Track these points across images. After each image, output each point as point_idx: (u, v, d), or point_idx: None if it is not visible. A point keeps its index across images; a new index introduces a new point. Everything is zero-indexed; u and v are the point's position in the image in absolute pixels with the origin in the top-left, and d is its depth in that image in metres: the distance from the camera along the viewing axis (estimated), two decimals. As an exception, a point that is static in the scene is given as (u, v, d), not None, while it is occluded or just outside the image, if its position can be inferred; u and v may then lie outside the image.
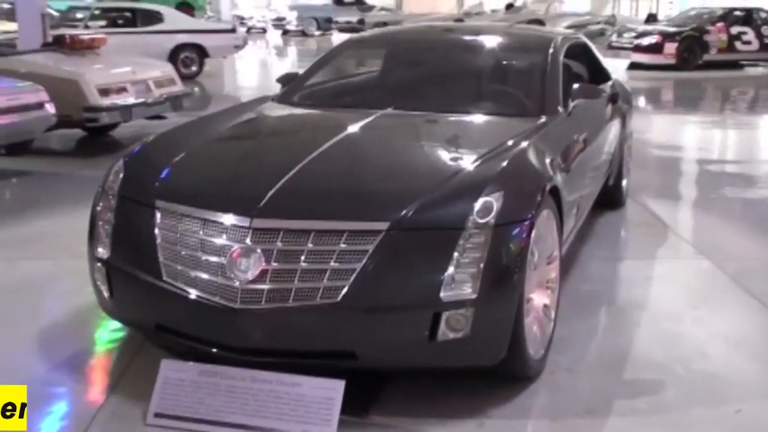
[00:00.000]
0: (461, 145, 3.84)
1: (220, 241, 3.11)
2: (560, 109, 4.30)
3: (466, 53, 5.03)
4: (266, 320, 3.01)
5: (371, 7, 31.09)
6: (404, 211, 3.07)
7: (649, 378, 3.46)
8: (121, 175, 3.56)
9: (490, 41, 5.09)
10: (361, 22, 28.16)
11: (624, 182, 6.07)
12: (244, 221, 3.09)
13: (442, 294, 2.95)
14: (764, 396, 3.36)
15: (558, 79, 4.47)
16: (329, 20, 28.86)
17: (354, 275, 2.97)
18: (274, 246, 3.03)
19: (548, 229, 3.46)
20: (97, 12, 14.72)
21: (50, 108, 6.89)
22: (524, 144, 3.66)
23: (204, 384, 3.09)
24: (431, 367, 3.17)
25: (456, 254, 2.99)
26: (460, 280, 2.98)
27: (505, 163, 3.39)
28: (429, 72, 4.89)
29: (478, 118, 4.20)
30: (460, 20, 15.05)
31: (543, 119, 4.16)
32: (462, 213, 3.06)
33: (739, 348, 3.78)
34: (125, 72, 8.14)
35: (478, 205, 3.08)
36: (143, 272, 3.25)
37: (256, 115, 4.43)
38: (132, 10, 14.85)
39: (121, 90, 7.89)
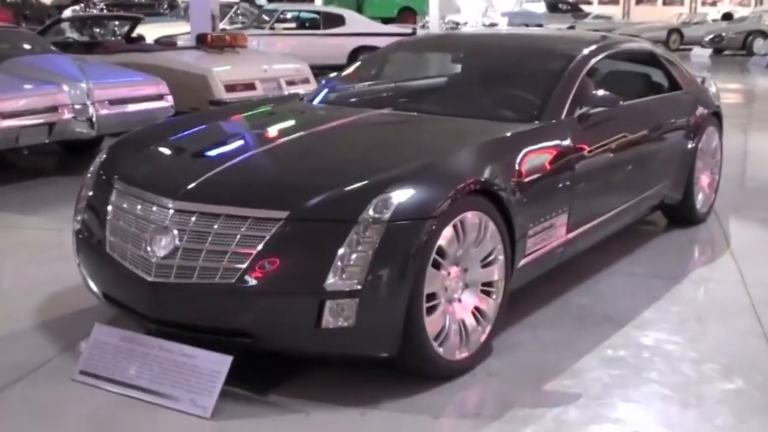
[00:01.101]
0: (406, 145, 3.89)
1: (148, 218, 3.40)
2: (562, 115, 4.21)
3: (491, 59, 5.02)
4: (173, 294, 3.26)
5: (586, 14, 30.48)
6: (304, 202, 3.21)
7: (568, 393, 3.35)
8: (102, 157, 3.95)
9: (523, 48, 5.06)
10: (571, 29, 27.67)
11: (698, 199, 5.72)
12: (168, 203, 3.36)
13: (327, 282, 3.07)
14: None
15: (570, 86, 4.37)
16: (539, 27, 28.59)
17: (250, 259, 3.15)
18: (187, 227, 3.28)
19: (478, 232, 3.44)
20: (283, 15, 15.62)
21: (169, 99, 7.51)
22: (467, 146, 3.67)
23: (123, 349, 3.39)
24: (321, 353, 3.27)
25: (346, 246, 3.09)
26: (347, 271, 3.08)
27: (419, 162, 3.43)
28: (445, 76, 4.95)
29: (461, 121, 4.21)
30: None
31: (534, 125, 4.11)
32: (357, 207, 3.15)
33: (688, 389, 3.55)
34: (256, 69, 8.68)
35: (376, 200, 3.16)
36: (95, 244, 3.61)
37: (260, 110, 4.71)
38: (316, 13, 15.62)
39: (249, 86, 8.44)
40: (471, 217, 3.40)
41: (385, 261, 3.10)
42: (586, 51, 4.72)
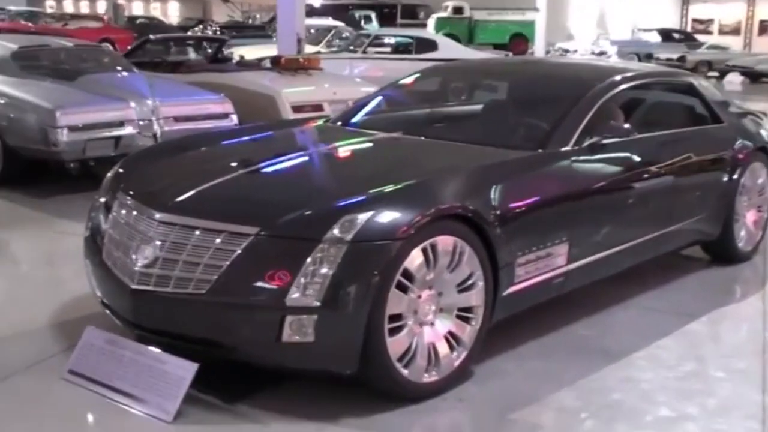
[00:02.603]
0: (391, 169, 3.93)
1: (137, 228, 3.58)
2: (569, 144, 4.19)
3: (512, 86, 5.04)
4: (151, 302, 3.43)
5: (700, 44, 29.68)
6: (274, 219, 3.32)
7: (532, 424, 3.33)
8: (115, 170, 4.17)
9: (546, 76, 5.05)
10: (681, 59, 26.98)
11: (740, 236, 5.53)
12: (155, 214, 3.54)
13: (289, 298, 3.16)
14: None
15: (582, 115, 4.34)
16: (650, 56, 28.04)
17: (220, 271, 3.28)
18: (168, 238, 3.44)
19: (452, 257, 3.47)
20: (377, 40, 15.89)
21: (234, 118, 7.78)
22: (453, 171, 3.71)
23: (107, 351, 3.57)
24: (284, 367, 3.36)
25: (309, 264, 3.18)
26: (309, 288, 3.17)
27: (394, 186, 3.49)
28: (465, 102, 4.98)
29: (464, 147, 4.24)
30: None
31: (536, 153, 4.12)
32: (322, 227, 3.24)
33: None
34: (325, 91, 8.88)
35: (343, 220, 3.24)
36: (96, 251, 3.82)
37: (273, 132, 4.88)
38: (411, 38, 15.81)
39: (317, 108, 8.62)
40: (443, 241, 3.43)
41: (345, 280, 3.17)
42: (606, 81, 4.67)
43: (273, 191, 3.71)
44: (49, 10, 41.89)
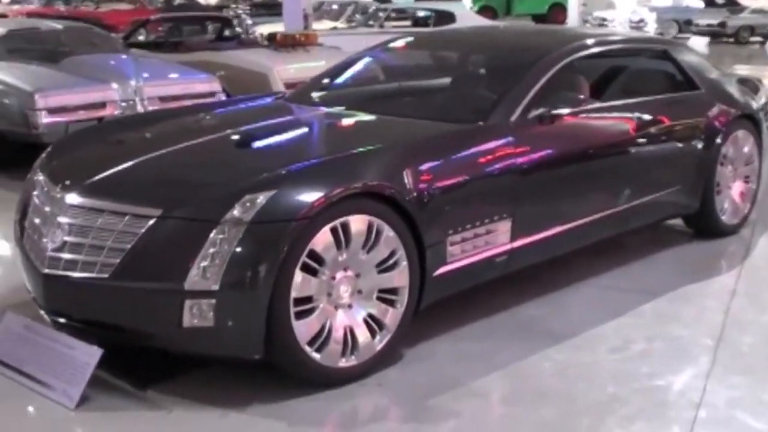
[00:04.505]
0: (309, 146, 3.81)
1: (51, 212, 3.50)
2: (513, 116, 4.00)
3: (465, 57, 4.88)
4: (60, 286, 3.35)
5: (743, 9, 28.73)
6: (176, 201, 3.21)
7: (447, 411, 3.18)
8: (44, 153, 4.10)
9: (502, 45, 4.88)
10: (722, 25, 26.18)
11: (723, 208, 5.28)
12: (64, 196, 3.45)
13: (186, 282, 3.06)
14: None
15: (529, 86, 4.14)
16: (689, 23, 27.28)
17: (123, 255, 3.18)
18: (75, 220, 3.35)
19: (368, 236, 3.32)
20: (393, 14, 15.66)
21: (222, 97, 7.68)
22: (374, 147, 3.56)
23: (23, 336, 3.51)
24: (188, 352, 3.25)
25: (208, 246, 3.07)
26: (207, 271, 3.06)
27: (302, 164, 3.35)
28: (418, 75, 4.81)
29: (400, 122, 4.08)
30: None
31: (475, 125, 3.94)
32: (221, 207, 3.13)
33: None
34: (321, 67, 8.71)
35: (241, 201, 3.12)
36: (19, 235, 3.76)
37: (212, 109, 4.78)
38: (429, 10, 15.56)
39: (312, 84, 8.48)
40: (355, 221, 3.28)
41: (243, 262, 3.06)
42: (561, 49, 4.46)
43: (183, 172, 3.59)
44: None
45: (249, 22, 19.65)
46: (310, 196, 3.16)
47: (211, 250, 3.07)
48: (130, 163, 3.60)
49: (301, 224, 3.11)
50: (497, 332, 3.89)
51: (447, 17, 15.17)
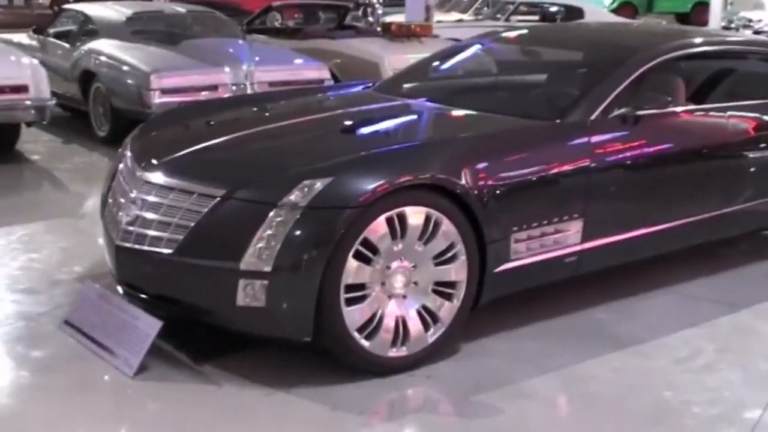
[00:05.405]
0: (381, 136, 3.81)
1: (128, 186, 3.67)
2: (593, 115, 3.90)
3: (551, 55, 4.77)
4: (129, 258, 3.51)
5: None
6: (239, 182, 3.31)
7: (493, 408, 3.16)
8: (135, 131, 4.29)
9: (590, 44, 4.75)
10: None
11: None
12: (141, 174, 3.61)
13: (242, 262, 3.15)
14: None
15: (615, 84, 4.02)
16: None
17: (187, 232, 3.31)
18: (148, 197, 3.50)
19: (424, 228, 3.33)
20: (522, 8, 15.44)
21: (330, 84, 7.82)
22: (439, 140, 3.56)
23: (97, 304, 3.70)
24: (242, 331, 3.34)
25: (264, 228, 3.15)
26: (263, 253, 3.14)
27: (363, 153, 3.38)
28: (502, 70, 4.76)
29: (476, 117, 4.03)
30: None
31: (551, 123, 3.88)
32: (280, 191, 3.20)
33: None
34: (431, 59, 8.73)
35: (300, 186, 3.18)
36: (102, 209, 3.95)
37: (300, 97, 4.87)
38: (558, 5, 15.26)
39: (422, 75, 8.50)
40: (413, 212, 3.29)
41: (295, 246, 3.12)
42: (654, 48, 4.31)
43: (252, 155, 3.68)
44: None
45: (380, 11, 19.78)
46: (367, 185, 3.19)
47: (268, 233, 3.14)
48: (204, 144, 3.74)
49: (356, 212, 3.14)
50: (560, 334, 3.82)
51: (576, 13, 14.84)
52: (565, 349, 3.66)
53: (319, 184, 3.18)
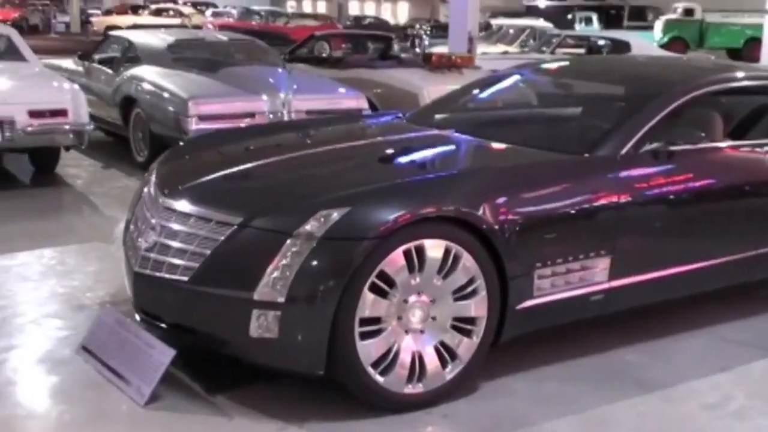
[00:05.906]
0: (404, 167, 3.76)
1: (149, 212, 3.66)
2: (623, 150, 3.81)
3: (584, 88, 4.68)
4: (146, 285, 3.49)
5: None
6: (256, 211, 3.27)
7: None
8: (162, 156, 4.29)
9: (624, 77, 4.65)
10: None
11: None
12: (162, 200, 3.59)
13: (256, 292, 3.11)
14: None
15: (646, 119, 3.92)
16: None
17: (203, 260, 3.28)
18: (167, 223, 3.48)
19: (443, 262, 3.25)
20: (569, 40, 15.39)
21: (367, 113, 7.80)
22: (463, 172, 3.50)
23: (113, 330, 3.67)
24: (258, 363, 3.28)
25: (280, 258, 3.11)
26: (277, 283, 3.10)
27: (381, 184, 3.33)
28: (535, 102, 4.68)
29: (502, 148, 3.96)
30: None
31: (579, 157, 3.79)
32: (295, 221, 3.15)
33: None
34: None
35: (316, 216, 3.13)
36: (125, 234, 3.94)
37: (324, 126, 4.85)
38: (604, 39, 15.18)
39: (460, 106, 8.46)
40: (431, 245, 3.22)
41: (309, 277, 3.07)
42: (688, 83, 4.20)
43: (272, 184, 3.65)
44: (290, 10, 44.88)
45: (426, 42, 19.89)
46: (384, 216, 3.13)
47: (283, 262, 3.09)
48: (225, 172, 3.72)
49: (372, 243, 3.08)
50: (585, 375, 3.70)
51: (623, 47, 14.72)
52: (588, 391, 3.54)
53: (335, 215, 3.13)
